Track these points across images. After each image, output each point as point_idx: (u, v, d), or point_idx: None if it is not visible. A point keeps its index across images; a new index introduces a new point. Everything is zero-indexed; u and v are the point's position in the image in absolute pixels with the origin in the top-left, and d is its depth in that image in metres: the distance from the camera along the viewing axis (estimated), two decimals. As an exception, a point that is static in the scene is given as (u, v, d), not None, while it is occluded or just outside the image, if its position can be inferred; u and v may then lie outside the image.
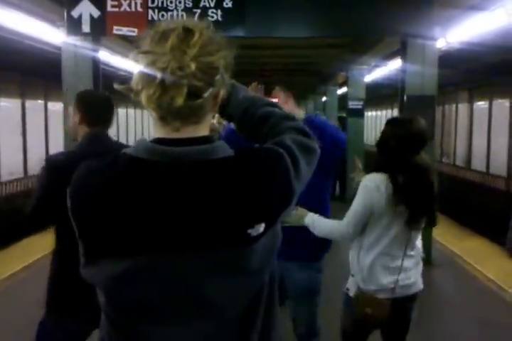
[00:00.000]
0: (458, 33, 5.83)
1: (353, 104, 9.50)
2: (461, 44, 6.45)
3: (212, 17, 4.02)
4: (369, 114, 21.69)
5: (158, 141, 0.98)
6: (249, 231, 0.94)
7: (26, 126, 9.59)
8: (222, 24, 4.01)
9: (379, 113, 20.54)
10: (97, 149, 1.98)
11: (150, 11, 4.02)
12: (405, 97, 5.51)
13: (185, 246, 0.92)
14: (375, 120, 21.12)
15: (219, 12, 4.00)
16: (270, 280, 1.05)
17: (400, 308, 2.34)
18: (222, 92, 1.03)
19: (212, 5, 4.00)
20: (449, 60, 7.48)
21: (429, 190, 2.29)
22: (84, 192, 0.96)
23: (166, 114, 0.95)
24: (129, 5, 4.00)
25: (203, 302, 0.96)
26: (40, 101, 10.29)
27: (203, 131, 1.01)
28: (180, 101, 0.91)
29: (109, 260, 0.93)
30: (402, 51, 5.62)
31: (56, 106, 10.13)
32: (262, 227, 0.95)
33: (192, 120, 0.98)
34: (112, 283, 0.95)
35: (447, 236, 7.15)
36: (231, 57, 1.01)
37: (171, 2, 4.00)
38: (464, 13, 5.10)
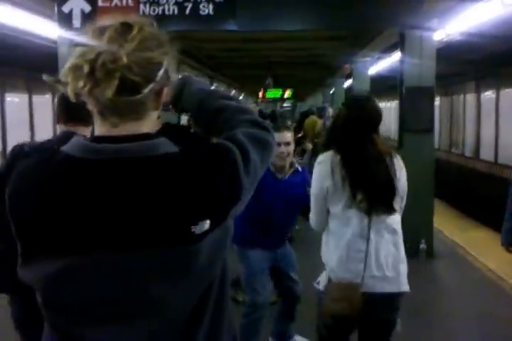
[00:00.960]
0: (457, 24, 5.78)
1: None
2: (461, 35, 6.40)
3: (204, 11, 4.01)
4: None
5: (94, 138, 0.97)
6: (193, 228, 0.92)
7: (34, 120, 9.70)
8: (214, 18, 4.01)
9: (387, 104, 20.42)
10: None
11: (141, 6, 4.02)
12: (404, 89, 5.50)
13: (123, 244, 0.90)
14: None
15: (210, 6, 3.99)
16: (222, 273, 1.04)
17: (374, 311, 2.18)
18: (167, 89, 1.01)
19: (203, -2, 4.01)
20: (453, 52, 7.42)
21: (384, 176, 2.19)
22: (20, 190, 0.95)
23: (104, 109, 0.94)
24: (120, -1, 4.02)
25: (146, 301, 0.94)
26: (47, 95, 10.40)
27: (145, 127, 0.99)
28: (109, 93, 0.90)
29: (47, 259, 0.91)
30: (400, 43, 5.61)
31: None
32: (206, 224, 0.93)
33: (131, 116, 0.96)
34: (49, 282, 0.93)
35: (450, 226, 7.13)
36: (175, 54, 1.00)
37: (162, -4, 4.02)
38: (462, 4, 5.06)
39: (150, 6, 4.01)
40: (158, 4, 4.00)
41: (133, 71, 0.91)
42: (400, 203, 2.27)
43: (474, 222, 8.37)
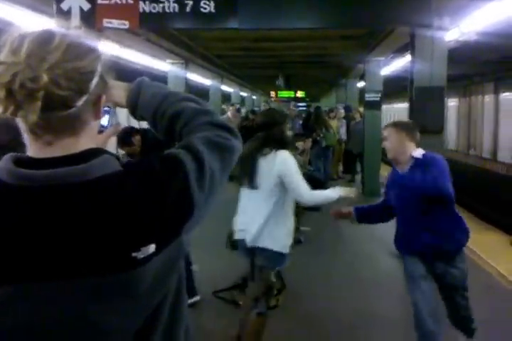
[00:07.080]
0: (472, 23, 5.64)
1: (370, 97, 9.34)
2: (477, 34, 6.25)
3: (205, 9, 3.94)
4: (397, 106, 21.41)
5: (24, 161, 0.88)
6: (135, 254, 0.87)
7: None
8: (215, 16, 3.94)
9: (400, 105, 20.27)
10: None
11: (141, 3, 3.95)
12: (414, 89, 5.42)
13: (58, 272, 0.85)
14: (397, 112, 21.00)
15: (211, 3, 3.92)
16: (178, 283, 0.99)
17: None
18: (104, 97, 0.94)
19: (204, -5, 3.94)
20: (470, 51, 7.27)
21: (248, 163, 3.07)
22: None
23: (35, 128, 0.85)
24: (120, -4, 3.95)
25: (87, 328, 0.89)
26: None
27: (83, 143, 0.91)
28: (33, 118, 0.81)
29: None
30: (410, 43, 5.55)
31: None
32: (151, 248, 0.88)
33: (67, 132, 0.88)
34: None
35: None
36: (108, 58, 0.91)
37: (163, -7, 3.96)
38: (475, 3, 4.94)
39: (150, 4, 3.94)
40: (158, 2, 3.93)
41: (60, 86, 0.82)
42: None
43: (487, 224, 8.20)
